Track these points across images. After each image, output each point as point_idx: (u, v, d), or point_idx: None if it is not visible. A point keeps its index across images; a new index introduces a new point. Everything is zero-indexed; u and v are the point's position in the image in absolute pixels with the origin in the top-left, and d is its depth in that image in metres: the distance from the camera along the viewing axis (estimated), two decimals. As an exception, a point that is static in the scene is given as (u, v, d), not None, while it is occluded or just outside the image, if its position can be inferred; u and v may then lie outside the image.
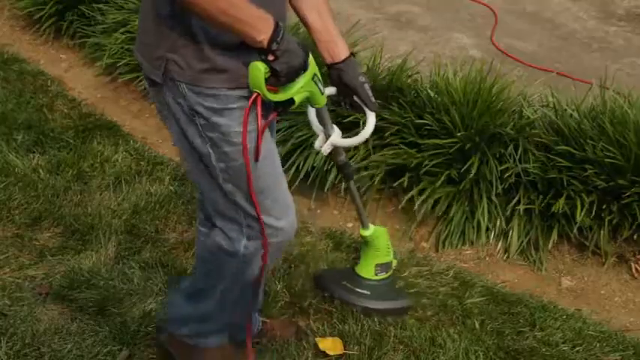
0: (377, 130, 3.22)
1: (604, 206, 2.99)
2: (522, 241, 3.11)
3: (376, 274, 2.73)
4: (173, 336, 2.32)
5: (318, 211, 3.37)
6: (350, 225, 3.30)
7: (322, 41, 2.18)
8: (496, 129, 3.17)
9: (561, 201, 2.99)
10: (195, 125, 1.92)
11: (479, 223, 3.12)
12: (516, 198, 3.11)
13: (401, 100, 3.31)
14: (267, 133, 1.97)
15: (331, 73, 2.21)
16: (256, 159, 1.91)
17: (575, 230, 3.02)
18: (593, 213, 2.98)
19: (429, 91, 3.30)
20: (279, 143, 3.36)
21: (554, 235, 3.06)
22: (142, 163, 3.48)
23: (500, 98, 3.28)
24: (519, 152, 3.13)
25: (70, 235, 2.95)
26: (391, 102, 3.31)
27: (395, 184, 3.20)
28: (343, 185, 3.26)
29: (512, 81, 3.41)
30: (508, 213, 3.13)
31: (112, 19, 4.22)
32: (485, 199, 3.12)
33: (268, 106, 1.90)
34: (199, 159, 1.98)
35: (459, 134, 3.13)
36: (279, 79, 1.82)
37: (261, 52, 1.80)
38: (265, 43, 1.78)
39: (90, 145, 3.55)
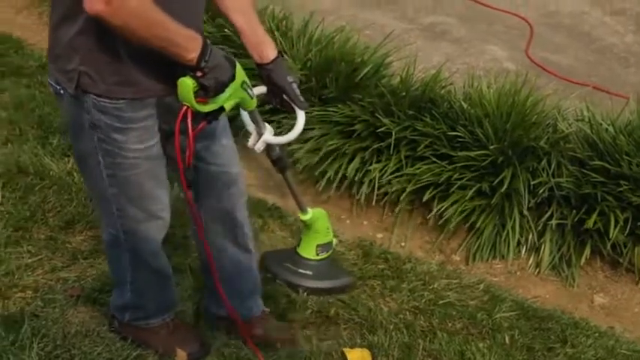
0: (409, 141, 3.25)
1: (639, 223, 2.94)
2: (554, 256, 3.07)
3: (317, 254, 2.82)
4: (121, 323, 2.47)
5: (348, 221, 3.37)
6: (380, 235, 3.29)
7: (250, 43, 2.25)
8: (529, 142, 3.15)
9: (595, 216, 2.96)
10: (91, 137, 2.03)
11: (510, 236, 3.10)
12: (549, 212, 3.08)
13: (434, 111, 3.29)
14: (155, 150, 2.08)
15: (261, 73, 2.28)
16: (189, 164, 2.01)
17: (608, 246, 2.99)
18: (628, 229, 2.94)
19: (462, 102, 3.29)
20: (311, 152, 3.37)
21: (587, 251, 3.03)
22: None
23: (534, 111, 3.26)
24: (553, 166, 3.10)
25: (102, 238, 2.97)
26: (424, 113, 3.30)
27: (426, 197, 3.18)
28: (375, 196, 3.26)
29: (546, 94, 3.39)
30: (540, 227, 3.10)
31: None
32: (516, 213, 3.09)
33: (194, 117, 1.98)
34: (87, 161, 2.11)
35: (491, 147, 3.11)
36: (207, 93, 1.92)
37: (191, 69, 1.88)
38: (195, 61, 1.86)
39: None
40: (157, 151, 2.09)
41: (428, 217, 3.26)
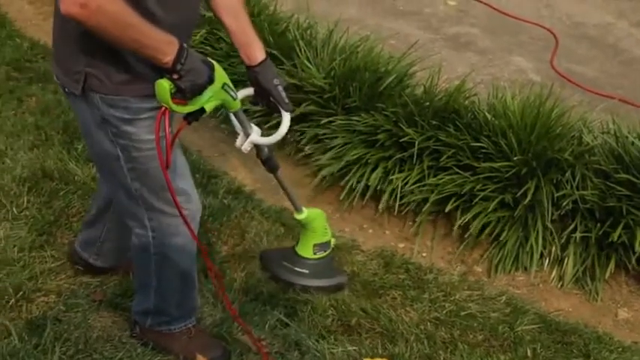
0: (432, 151, 3.24)
1: (664, 237, 2.91)
2: (578, 270, 3.04)
3: (315, 254, 2.86)
4: (143, 328, 2.49)
5: (370, 230, 3.36)
6: (402, 245, 3.28)
7: (240, 44, 2.31)
8: (554, 154, 3.12)
9: (619, 230, 2.92)
10: (105, 132, 2.08)
11: (533, 249, 3.07)
12: (572, 225, 3.06)
13: (457, 121, 3.28)
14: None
15: (249, 74, 2.34)
16: (167, 166, 2.04)
17: (633, 260, 2.95)
18: (653, 244, 2.91)
19: (487, 113, 3.27)
20: (333, 161, 3.37)
21: (612, 265, 2.99)
22: (197, 175, 3.52)
23: (559, 123, 3.23)
24: (577, 179, 3.07)
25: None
26: (447, 123, 3.29)
27: (449, 207, 3.17)
28: (397, 205, 3.25)
29: (572, 106, 3.36)
30: (564, 240, 3.08)
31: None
32: (540, 225, 3.06)
33: (179, 116, 2.04)
34: (108, 160, 2.14)
35: (515, 158, 3.09)
36: (184, 95, 1.97)
37: (167, 72, 1.93)
38: (170, 64, 1.91)
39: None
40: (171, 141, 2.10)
41: (450, 228, 3.24)
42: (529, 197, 3.04)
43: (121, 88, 2.00)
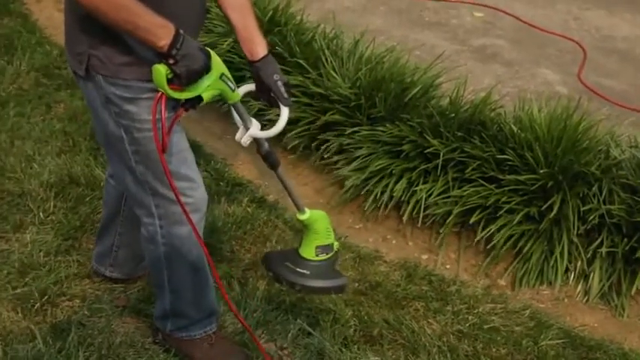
0: (457, 163, 3.23)
1: (693, 253, 2.87)
2: (604, 285, 3.01)
3: (317, 255, 2.79)
4: (165, 334, 2.50)
5: (394, 241, 3.35)
6: (425, 257, 3.26)
7: (243, 40, 2.33)
8: (580, 168, 3.10)
9: (647, 245, 2.89)
10: (109, 112, 2.13)
11: (558, 263, 3.04)
12: (599, 240, 3.02)
13: (483, 133, 3.27)
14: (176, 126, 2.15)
15: (251, 70, 2.36)
16: (164, 150, 2.06)
17: (660, 277, 2.91)
18: (681, 260, 2.87)
19: (513, 125, 3.26)
20: (357, 171, 3.37)
21: (638, 281, 2.95)
22: (221, 183, 3.54)
23: (586, 137, 3.21)
24: (604, 193, 3.04)
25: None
26: (473, 135, 3.28)
27: (473, 220, 3.15)
28: (421, 217, 3.23)
29: (599, 120, 3.34)
30: (589, 255, 3.04)
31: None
32: (565, 239, 3.04)
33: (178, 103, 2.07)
34: (114, 143, 2.19)
35: (541, 171, 3.07)
36: (180, 80, 1.99)
37: (163, 56, 1.96)
38: (165, 48, 1.95)
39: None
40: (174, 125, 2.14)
41: (474, 240, 3.22)
42: (555, 211, 3.01)
43: (121, 69, 2.06)
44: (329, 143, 3.55)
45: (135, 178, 2.22)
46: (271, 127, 2.40)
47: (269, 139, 2.50)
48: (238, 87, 2.24)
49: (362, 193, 3.41)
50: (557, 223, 3.06)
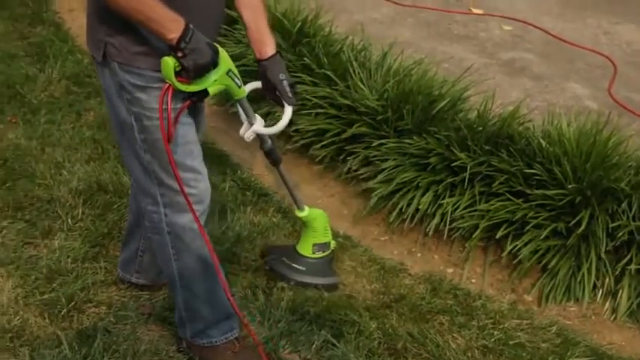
0: (484, 177, 3.21)
1: None
2: (632, 303, 2.97)
3: (313, 253, 2.96)
4: (188, 342, 2.52)
5: (419, 254, 3.33)
6: (450, 271, 3.24)
7: (253, 39, 2.43)
8: (610, 184, 3.06)
9: (677, 264, 2.85)
10: (122, 99, 2.20)
11: (586, 279, 3.01)
12: (628, 257, 2.98)
13: (511, 147, 3.25)
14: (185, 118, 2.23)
15: (258, 68, 2.45)
16: (169, 140, 2.15)
17: (690, 295, 2.87)
18: None
19: (541, 140, 3.23)
20: (384, 184, 3.37)
21: (668, 299, 2.91)
22: (247, 193, 3.55)
23: (616, 152, 3.18)
24: (634, 209, 3.00)
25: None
26: (500, 149, 3.26)
27: (499, 234, 3.13)
28: (447, 230, 3.22)
29: (629, 135, 3.30)
30: (618, 272, 3.01)
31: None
32: (593, 256, 3.00)
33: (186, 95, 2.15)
34: (125, 130, 2.25)
35: (569, 186, 3.04)
36: (188, 73, 2.07)
37: (172, 49, 2.04)
38: (175, 41, 2.02)
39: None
40: (183, 116, 2.19)
41: (500, 255, 3.20)
42: (583, 227, 2.98)
43: (135, 58, 2.13)
44: (355, 155, 3.55)
45: (142, 167, 2.27)
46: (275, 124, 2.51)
47: (273, 137, 2.61)
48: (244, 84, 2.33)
49: (388, 205, 3.40)
50: (585, 239, 3.03)
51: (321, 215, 2.98)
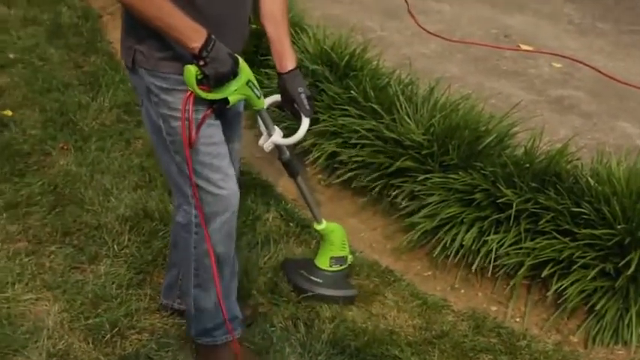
0: (530, 214, 3.16)
1: None
2: (682, 348, 2.89)
3: (331, 266, 3.04)
4: (195, 343, 2.62)
5: (462, 290, 3.29)
6: (494, 308, 3.20)
7: (275, 52, 2.53)
8: (660, 224, 3.00)
9: None
10: (151, 102, 2.31)
11: (634, 322, 2.93)
12: (679, 301, 2.91)
13: (558, 185, 3.21)
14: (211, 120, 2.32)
15: (279, 80, 2.56)
16: (190, 146, 2.24)
17: None
18: None
19: (590, 178, 3.18)
20: (428, 218, 3.35)
21: None
22: (290, 224, 3.56)
23: (667, 193, 3.11)
24: (685, 252, 2.93)
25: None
26: (547, 187, 3.21)
27: (545, 273, 3.08)
28: (491, 267, 3.18)
29: (681, 176, 3.23)
30: (669, 316, 2.92)
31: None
32: (643, 298, 2.93)
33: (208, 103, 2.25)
34: (157, 133, 2.35)
35: (618, 227, 2.98)
36: (209, 81, 2.17)
37: (194, 58, 2.14)
38: (197, 50, 2.12)
39: (244, 202, 3.67)
40: (209, 118, 2.28)
41: (545, 294, 3.14)
42: (632, 268, 2.91)
43: (161, 63, 2.24)
44: (400, 189, 3.54)
45: (177, 168, 2.36)
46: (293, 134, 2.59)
47: (291, 148, 2.70)
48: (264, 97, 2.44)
49: (431, 240, 3.37)
50: (634, 280, 2.96)
51: (338, 229, 3.05)
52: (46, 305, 2.84)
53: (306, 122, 2.57)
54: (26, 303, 2.83)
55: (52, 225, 3.32)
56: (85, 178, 3.71)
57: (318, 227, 3.00)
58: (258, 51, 2.63)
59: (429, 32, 5.56)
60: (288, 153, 2.72)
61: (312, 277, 3.04)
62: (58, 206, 3.46)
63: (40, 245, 3.19)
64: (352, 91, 3.85)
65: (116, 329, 2.72)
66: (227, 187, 2.37)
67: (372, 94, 3.82)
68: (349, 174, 3.75)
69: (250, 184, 3.86)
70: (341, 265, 3.07)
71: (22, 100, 4.40)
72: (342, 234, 3.06)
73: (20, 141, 3.96)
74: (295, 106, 2.55)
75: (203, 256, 2.43)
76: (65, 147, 3.99)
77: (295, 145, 2.95)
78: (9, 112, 4.25)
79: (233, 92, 2.25)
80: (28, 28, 5.47)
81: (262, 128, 2.62)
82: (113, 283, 2.97)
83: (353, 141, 3.72)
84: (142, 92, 2.33)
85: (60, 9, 5.80)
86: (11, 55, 5.00)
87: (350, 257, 3.10)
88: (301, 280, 3.05)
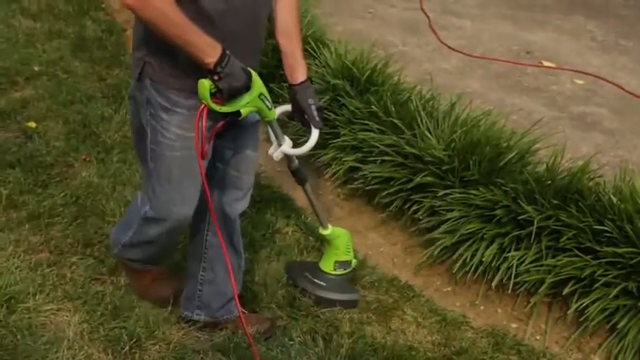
0: (552, 231, 3.14)
1: None
2: None
3: (335, 270, 3.09)
4: (119, 259, 2.95)
5: (482, 307, 3.27)
6: (514, 326, 3.17)
7: (287, 64, 2.59)
8: (684, 243, 2.96)
9: None
10: (145, 112, 2.42)
11: (657, 342, 2.90)
12: (703, 321, 2.87)
13: (580, 202, 3.18)
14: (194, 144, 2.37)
15: (290, 92, 2.62)
16: (203, 157, 2.33)
17: None
18: None
19: (612, 196, 3.16)
20: (448, 234, 3.33)
21: None
22: (310, 238, 3.56)
23: (690, 211, 3.07)
24: None
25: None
26: (569, 204, 3.19)
27: (566, 290, 3.05)
28: (511, 284, 3.15)
29: None
30: (692, 336, 2.88)
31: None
32: (665, 318, 2.89)
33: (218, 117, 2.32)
34: (141, 136, 2.49)
35: (641, 245, 2.96)
36: (222, 95, 2.23)
37: (209, 72, 2.20)
38: (212, 65, 2.19)
39: (264, 215, 3.69)
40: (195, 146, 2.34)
41: (566, 312, 3.11)
42: (655, 287, 2.88)
43: (168, 79, 2.32)
44: (420, 204, 3.53)
45: (148, 170, 2.52)
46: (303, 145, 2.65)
47: (300, 157, 2.76)
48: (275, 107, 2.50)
49: (451, 256, 3.36)
50: (656, 299, 2.93)
51: (344, 234, 3.10)
52: (66, 316, 2.85)
53: (315, 133, 2.63)
54: (47, 313, 2.85)
55: (73, 236, 3.34)
56: (106, 190, 3.73)
57: (324, 232, 3.08)
58: (279, 65, 2.65)
59: (450, 48, 5.56)
60: (296, 162, 2.81)
61: (316, 280, 3.09)
62: (79, 217, 3.48)
63: (62, 256, 3.21)
64: (373, 106, 3.86)
65: (135, 340, 2.72)
66: (181, 211, 2.52)
67: (393, 109, 3.82)
68: (369, 188, 3.75)
69: (270, 197, 3.87)
70: (345, 269, 3.11)
71: (45, 112, 4.45)
72: (347, 239, 3.12)
73: (43, 152, 4.00)
74: (305, 117, 2.61)
75: (141, 236, 2.69)
76: (87, 159, 4.02)
77: (311, 157, 3.04)
78: (33, 124, 4.29)
79: (245, 105, 2.31)
80: (53, 41, 5.53)
81: (272, 138, 2.68)
82: (133, 294, 2.98)
83: (373, 156, 3.72)
84: (141, 100, 2.42)
85: (85, 22, 5.87)
86: (36, 68, 5.05)
87: (354, 262, 3.15)
88: (305, 281, 3.11)
